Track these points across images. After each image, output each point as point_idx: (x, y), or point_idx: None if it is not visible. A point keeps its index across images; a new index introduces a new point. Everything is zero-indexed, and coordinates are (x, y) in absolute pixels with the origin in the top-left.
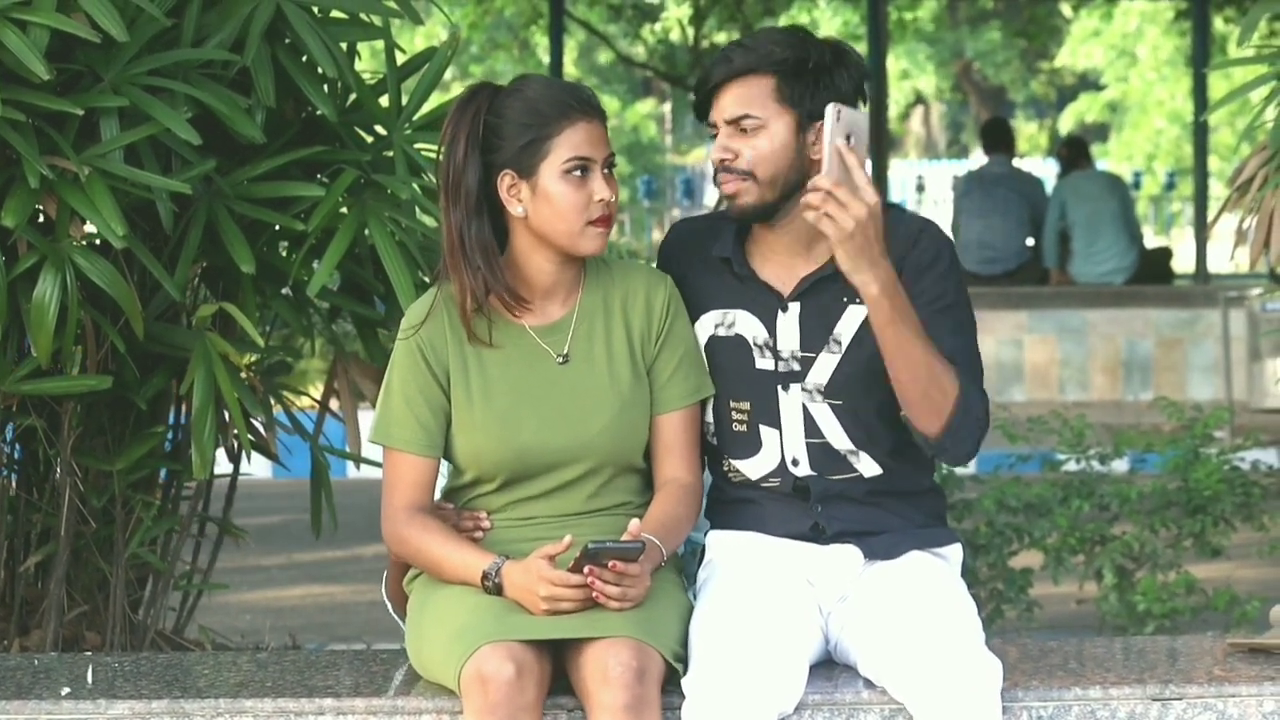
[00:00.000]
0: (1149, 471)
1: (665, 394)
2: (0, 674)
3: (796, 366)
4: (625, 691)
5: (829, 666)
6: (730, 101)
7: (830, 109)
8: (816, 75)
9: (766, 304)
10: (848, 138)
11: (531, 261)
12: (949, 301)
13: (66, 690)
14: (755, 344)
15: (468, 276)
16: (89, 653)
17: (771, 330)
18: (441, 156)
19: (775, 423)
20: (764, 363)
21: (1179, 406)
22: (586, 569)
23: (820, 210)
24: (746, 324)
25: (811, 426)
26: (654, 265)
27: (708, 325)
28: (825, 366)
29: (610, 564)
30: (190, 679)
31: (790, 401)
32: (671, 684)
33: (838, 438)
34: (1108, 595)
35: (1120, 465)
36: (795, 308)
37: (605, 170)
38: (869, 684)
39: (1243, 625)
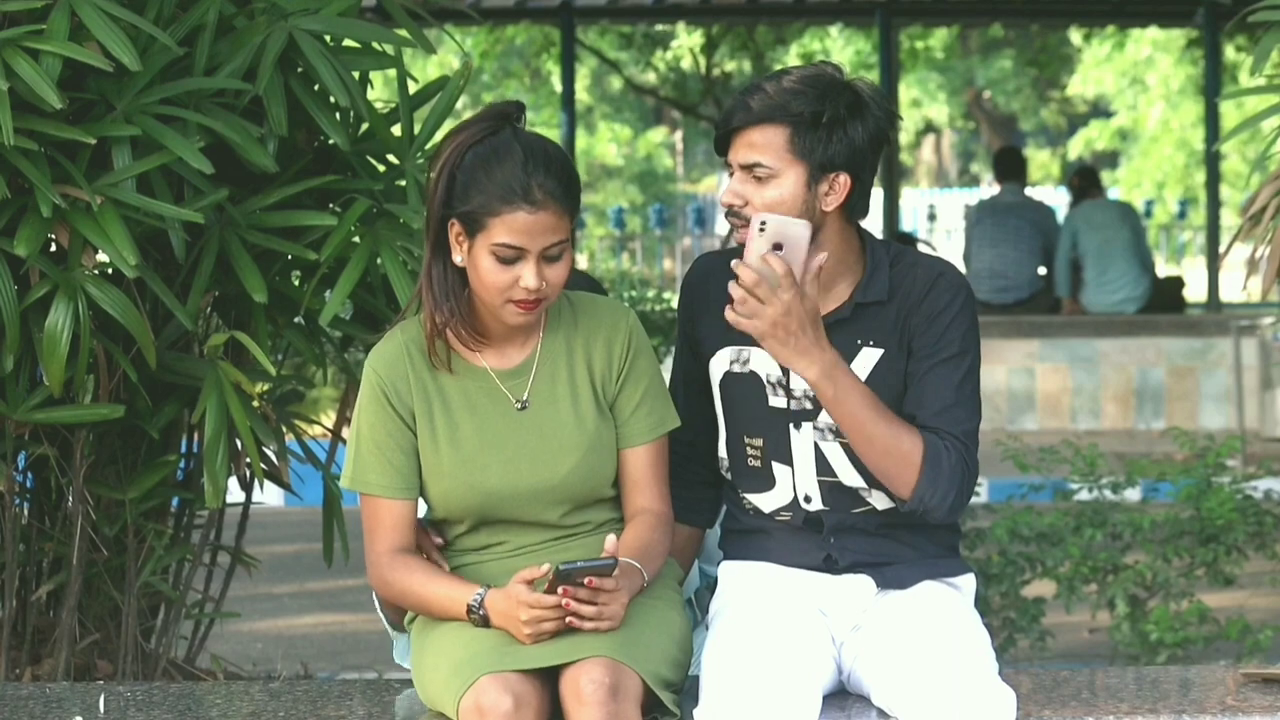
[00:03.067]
0: (1161, 500)
1: (629, 429)
2: (13, 703)
3: (809, 405)
4: (599, 709)
5: (842, 696)
6: (744, 148)
7: (755, 221)
8: (830, 128)
9: None
10: (778, 246)
11: (482, 306)
12: (953, 352)
13: (79, 719)
14: (769, 382)
15: (428, 303)
16: (101, 682)
17: (785, 368)
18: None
19: (787, 460)
20: (777, 400)
21: (1191, 435)
22: (560, 589)
23: (741, 308)
24: (761, 361)
25: (823, 464)
26: (663, 295)
27: (723, 361)
28: None
29: (586, 581)
30: (203, 708)
31: (802, 440)
32: (664, 712)
33: (849, 475)
34: (1120, 624)
35: (1132, 494)
36: None
37: (545, 258)
38: (882, 714)
39: (1255, 654)
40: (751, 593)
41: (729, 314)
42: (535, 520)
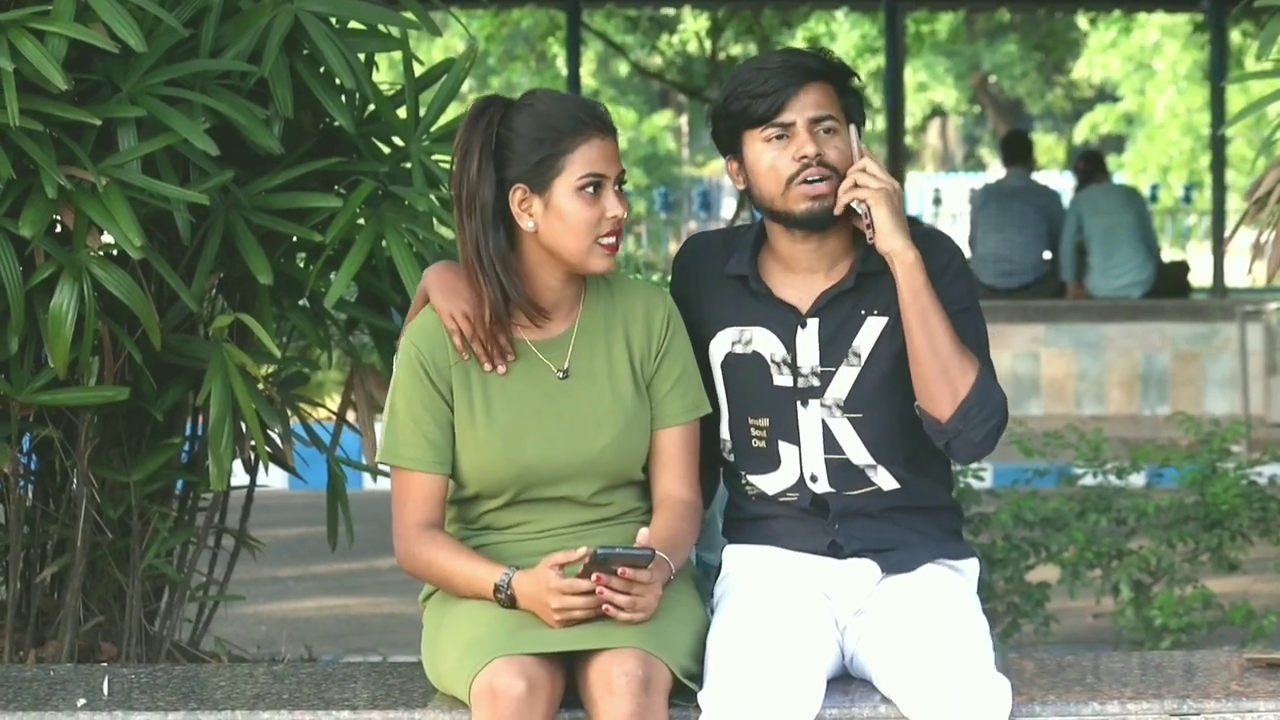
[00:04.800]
0: (1166, 486)
1: (663, 409)
2: (16, 685)
3: (816, 382)
4: (630, 700)
5: (845, 680)
6: (811, 103)
7: (853, 129)
8: (859, 94)
9: (785, 321)
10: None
11: (538, 277)
12: (965, 305)
13: (82, 701)
14: (773, 361)
15: (488, 289)
16: (105, 664)
17: (790, 347)
18: (455, 170)
19: (794, 439)
20: (782, 379)
21: (1196, 421)
22: (595, 576)
23: (857, 183)
24: (764, 341)
25: (831, 442)
26: (668, 279)
27: (724, 342)
28: (845, 380)
29: (620, 570)
30: (206, 691)
31: (809, 417)
32: (681, 698)
33: (857, 452)
34: (1124, 610)
35: (1137, 479)
36: (814, 323)
37: (617, 187)
38: (885, 699)
39: (1259, 640)
40: (756, 577)
41: (846, 194)
42: (566, 496)
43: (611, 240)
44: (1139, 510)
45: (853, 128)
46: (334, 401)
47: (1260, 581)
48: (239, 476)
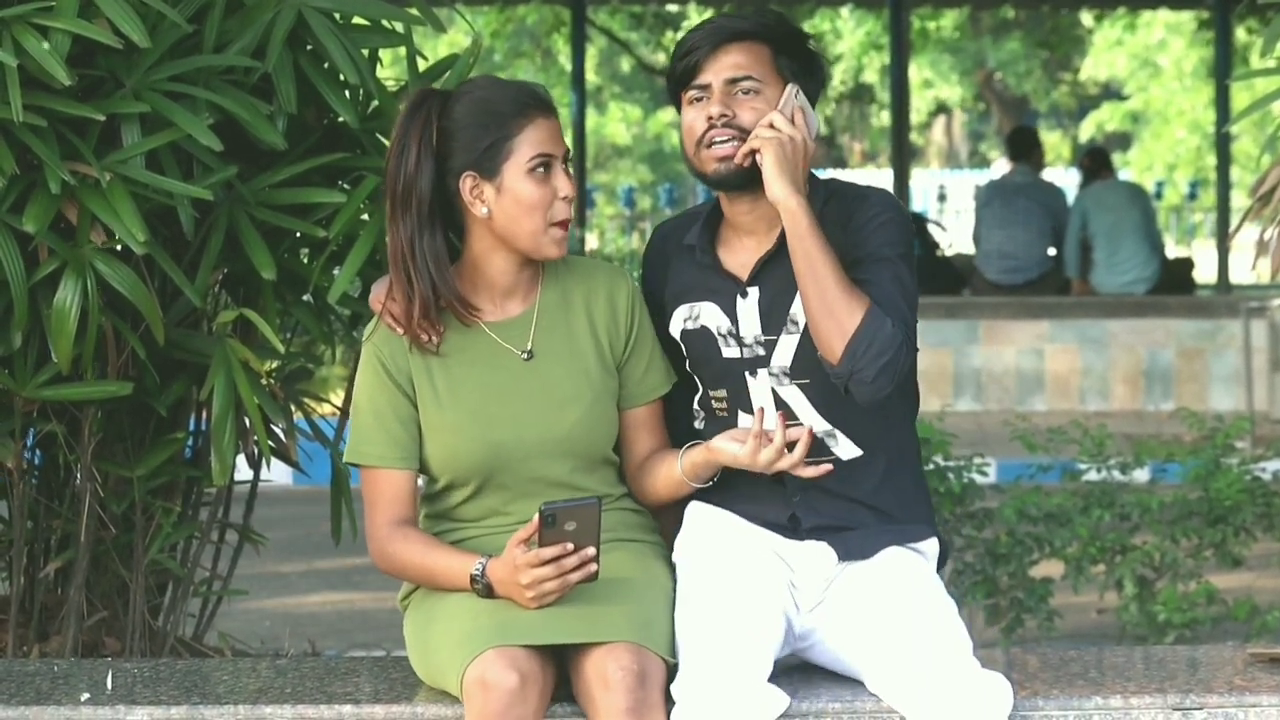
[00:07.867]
0: (1170, 481)
1: (644, 386)
2: (20, 679)
3: (761, 351)
4: (627, 695)
5: (807, 673)
6: (729, 67)
7: (792, 86)
8: (809, 56)
9: (727, 292)
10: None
11: (492, 263)
12: (887, 255)
13: (86, 696)
14: (719, 333)
15: (419, 285)
16: (108, 658)
17: (733, 317)
18: (390, 164)
19: (750, 408)
20: (730, 351)
21: (1200, 417)
22: (562, 545)
23: (761, 134)
24: (710, 314)
25: (784, 410)
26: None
27: (679, 320)
28: (787, 348)
29: (569, 545)
30: (209, 685)
31: (759, 387)
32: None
33: (812, 419)
34: (1128, 605)
35: (1141, 475)
36: (754, 293)
37: (563, 165)
38: (848, 686)
39: (1263, 635)
40: (716, 553)
41: (760, 129)
42: (542, 477)
43: (564, 223)
44: (1143, 506)
45: (790, 87)
46: (338, 397)
47: (1264, 577)
48: (242, 472)
